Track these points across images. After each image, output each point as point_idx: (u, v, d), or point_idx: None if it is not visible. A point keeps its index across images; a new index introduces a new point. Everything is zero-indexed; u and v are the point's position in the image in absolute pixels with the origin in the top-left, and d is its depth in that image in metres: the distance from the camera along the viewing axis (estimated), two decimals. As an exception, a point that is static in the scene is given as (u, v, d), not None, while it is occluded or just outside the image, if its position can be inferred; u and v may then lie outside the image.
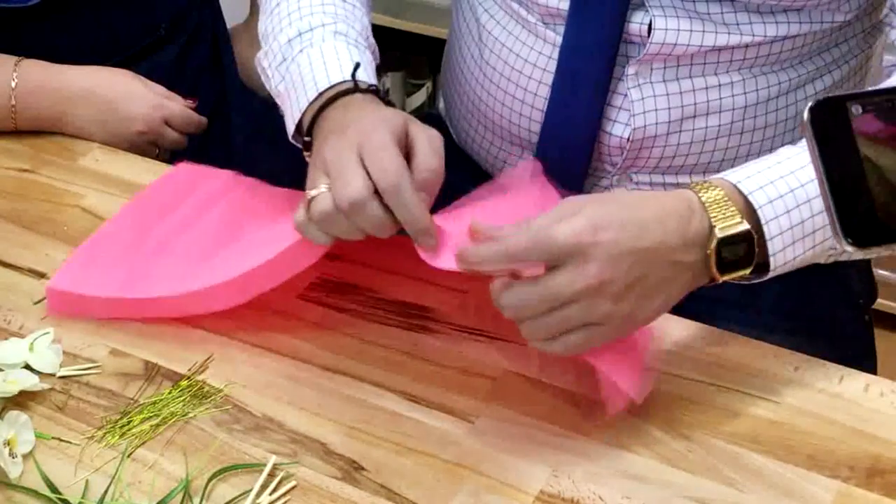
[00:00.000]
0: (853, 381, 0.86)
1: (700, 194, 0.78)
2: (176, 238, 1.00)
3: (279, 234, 0.94)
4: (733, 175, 0.80)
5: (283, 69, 0.95)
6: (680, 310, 0.89)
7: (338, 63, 0.91)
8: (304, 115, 0.90)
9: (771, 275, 0.81)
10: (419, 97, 2.46)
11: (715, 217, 0.77)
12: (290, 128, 0.92)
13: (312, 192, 0.81)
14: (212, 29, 1.39)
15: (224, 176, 1.08)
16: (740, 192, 0.79)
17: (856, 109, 0.49)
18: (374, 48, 0.98)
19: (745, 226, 0.77)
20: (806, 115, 0.49)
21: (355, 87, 0.89)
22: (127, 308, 0.94)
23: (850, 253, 0.84)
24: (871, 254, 0.79)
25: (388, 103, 0.89)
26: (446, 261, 0.80)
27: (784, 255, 0.80)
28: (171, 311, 0.94)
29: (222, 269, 0.93)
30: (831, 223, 0.49)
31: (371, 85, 0.90)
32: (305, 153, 0.91)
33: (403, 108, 2.54)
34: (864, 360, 1.08)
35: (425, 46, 2.20)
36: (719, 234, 0.77)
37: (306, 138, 0.90)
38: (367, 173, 0.79)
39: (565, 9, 0.98)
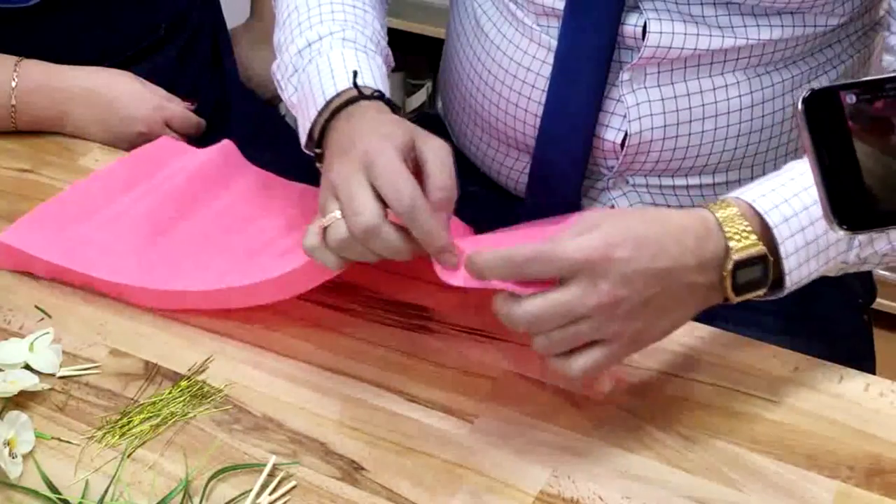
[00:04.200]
0: (853, 381, 0.86)
1: (716, 213, 0.78)
2: (131, 213, 1.02)
3: (265, 244, 0.95)
4: (747, 194, 0.80)
5: (295, 80, 0.95)
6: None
7: (344, 71, 0.90)
8: (314, 125, 0.90)
9: (785, 292, 0.81)
10: (419, 97, 2.46)
11: (731, 238, 0.77)
12: (303, 138, 0.92)
13: (325, 221, 0.80)
14: (212, 30, 1.39)
15: (197, 152, 1.11)
16: (755, 212, 0.79)
17: (849, 98, 0.50)
18: (385, 52, 0.98)
19: (762, 248, 0.78)
20: (800, 104, 0.50)
21: (360, 95, 0.88)
22: (69, 276, 0.97)
23: (860, 265, 0.85)
24: (863, 236, 0.80)
25: (394, 108, 0.89)
26: (463, 278, 0.79)
27: (799, 272, 0.80)
28: (115, 292, 0.96)
29: (193, 272, 0.95)
30: (824, 209, 0.51)
31: (375, 91, 0.89)
32: (318, 164, 0.91)
33: (403, 109, 2.54)
34: (864, 360, 1.09)
35: (425, 46, 2.20)
36: (735, 256, 0.77)
37: (317, 150, 0.90)
38: (378, 196, 0.78)
39: (560, 8, 0.98)
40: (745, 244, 0.77)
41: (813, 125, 0.50)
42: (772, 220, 0.78)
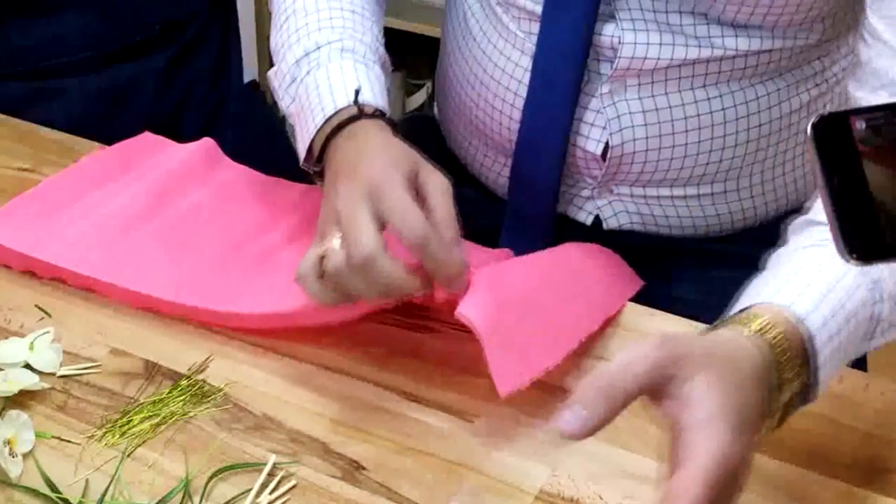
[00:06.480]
0: (853, 381, 0.86)
1: (776, 353, 0.69)
2: (105, 206, 1.02)
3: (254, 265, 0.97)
4: (779, 297, 0.73)
5: (293, 90, 0.94)
6: (680, 310, 0.90)
7: (343, 86, 0.90)
8: (313, 141, 0.89)
9: (815, 399, 0.74)
10: (419, 97, 2.47)
11: (782, 372, 0.70)
12: (302, 154, 0.91)
13: (321, 251, 0.80)
14: (220, 45, 1.38)
15: (178, 147, 1.11)
16: (795, 326, 0.71)
17: (859, 124, 0.49)
18: (384, 60, 0.97)
19: (805, 378, 0.72)
20: (809, 130, 0.49)
21: (360, 113, 0.88)
22: (43, 268, 0.97)
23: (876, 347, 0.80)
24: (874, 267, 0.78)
25: (394, 126, 0.89)
26: (468, 307, 0.80)
27: (829, 374, 0.74)
28: (82, 284, 0.96)
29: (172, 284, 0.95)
30: (835, 239, 0.49)
31: (376, 109, 0.89)
32: (318, 181, 0.90)
33: (403, 108, 2.54)
34: (862, 360, 1.08)
35: (425, 46, 2.20)
36: (788, 391, 0.70)
37: (315, 168, 0.90)
38: (380, 226, 0.78)
39: (538, 12, 0.98)
40: (792, 374, 0.71)
41: (822, 151, 0.49)
42: (811, 327, 0.71)
